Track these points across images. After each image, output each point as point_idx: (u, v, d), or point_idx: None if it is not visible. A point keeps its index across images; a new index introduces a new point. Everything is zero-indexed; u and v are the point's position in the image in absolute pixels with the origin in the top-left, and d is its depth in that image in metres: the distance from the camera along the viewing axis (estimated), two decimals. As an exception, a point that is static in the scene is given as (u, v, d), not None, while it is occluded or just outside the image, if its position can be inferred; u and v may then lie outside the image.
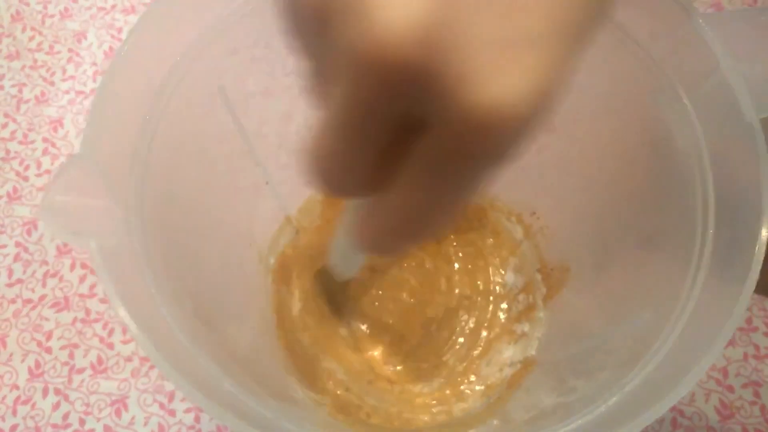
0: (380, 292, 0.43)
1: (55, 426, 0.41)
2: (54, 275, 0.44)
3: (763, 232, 0.24)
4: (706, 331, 0.24)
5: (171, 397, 0.41)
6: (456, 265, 0.44)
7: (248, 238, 0.40)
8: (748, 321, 0.42)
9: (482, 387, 0.40)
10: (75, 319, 0.43)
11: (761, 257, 0.24)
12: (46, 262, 0.45)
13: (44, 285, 0.44)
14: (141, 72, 0.30)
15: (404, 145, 0.18)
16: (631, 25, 0.28)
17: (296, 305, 0.42)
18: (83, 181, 0.26)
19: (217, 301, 0.34)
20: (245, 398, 0.26)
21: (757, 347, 0.41)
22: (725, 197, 0.26)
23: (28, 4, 0.52)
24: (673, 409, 0.40)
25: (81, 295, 0.44)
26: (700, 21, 0.25)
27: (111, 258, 0.25)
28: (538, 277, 0.41)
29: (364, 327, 0.42)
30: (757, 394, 0.40)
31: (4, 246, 0.45)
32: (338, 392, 0.39)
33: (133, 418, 0.41)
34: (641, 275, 0.32)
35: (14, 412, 0.41)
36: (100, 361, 0.42)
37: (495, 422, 0.35)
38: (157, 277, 0.27)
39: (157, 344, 0.24)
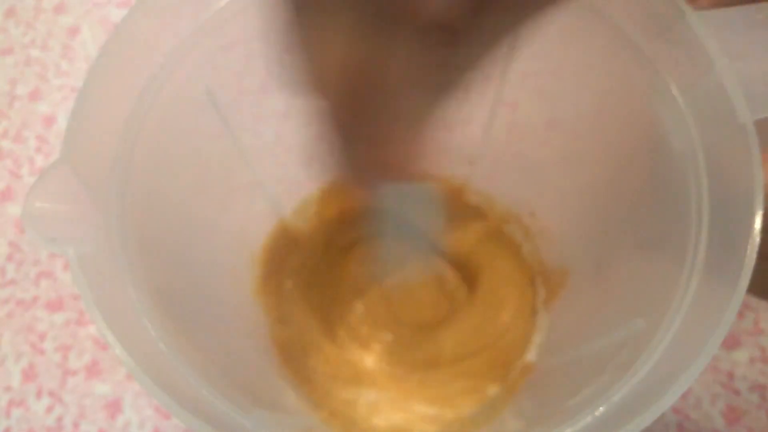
0: (381, 294, 0.42)
1: (49, 429, 0.40)
2: (48, 275, 0.44)
3: (755, 235, 0.23)
4: (697, 336, 0.24)
5: (165, 400, 0.41)
6: None
7: (240, 241, 0.39)
8: (755, 323, 0.41)
9: (479, 394, 0.39)
10: (69, 321, 0.43)
11: (752, 261, 0.23)
12: (39, 262, 0.44)
13: (37, 285, 0.44)
14: (124, 72, 0.29)
15: None
16: (625, 24, 0.28)
17: (294, 307, 0.41)
18: (63, 186, 0.26)
19: (205, 306, 0.34)
20: (226, 407, 0.25)
21: (763, 350, 0.40)
22: (719, 199, 0.25)
23: (21, -1, 0.52)
24: (678, 413, 0.39)
25: (74, 296, 0.43)
26: (695, 19, 0.24)
27: (90, 265, 0.25)
28: (538, 279, 0.40)
29: (362, 329, 0.41)
30: (763, 398, 0.39)
31: (-3, 246, 0.45)
32: (338, 396, 0.39)
33: (127, 421, 0.40)
34: (638, 278, 0.31)
35: (8, 415, 0.41)
36: (94, 363, 0.42)
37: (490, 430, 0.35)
38: (137, 283, 0.27)
39: (134, 353, 0.24)
